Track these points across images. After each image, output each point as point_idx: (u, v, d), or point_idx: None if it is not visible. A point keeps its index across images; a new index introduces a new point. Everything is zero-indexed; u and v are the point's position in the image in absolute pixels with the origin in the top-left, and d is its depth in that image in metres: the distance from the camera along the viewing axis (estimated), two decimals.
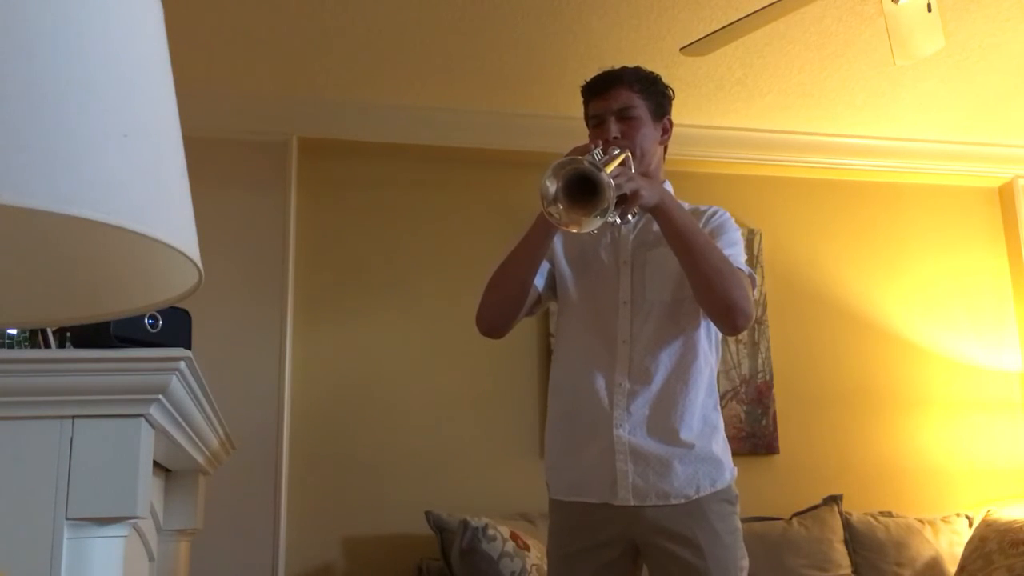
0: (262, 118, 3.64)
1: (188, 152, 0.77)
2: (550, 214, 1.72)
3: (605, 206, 1.68)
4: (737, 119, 3.90)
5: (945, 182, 4.28)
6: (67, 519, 1.11)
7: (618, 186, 1.75)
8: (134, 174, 0.63)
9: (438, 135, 3.76)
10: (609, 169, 1.75)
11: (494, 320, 2.02)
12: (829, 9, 3.10)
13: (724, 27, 2.69)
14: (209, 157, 3.41)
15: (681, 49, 2.82)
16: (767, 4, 2.57)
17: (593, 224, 1.72)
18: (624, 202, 1.80)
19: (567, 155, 1.76)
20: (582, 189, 1.71)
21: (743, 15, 2.65)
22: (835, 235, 4.15)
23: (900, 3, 2.50)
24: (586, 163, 1.70)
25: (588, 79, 2.07)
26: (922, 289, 4.16)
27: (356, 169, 3.78)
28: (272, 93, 3.61)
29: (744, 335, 3.86)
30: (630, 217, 1.92)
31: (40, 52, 0.59)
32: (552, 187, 1.72)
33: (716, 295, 1.86)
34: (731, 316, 1.88)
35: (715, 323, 1.95)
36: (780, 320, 3.96)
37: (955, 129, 4.05)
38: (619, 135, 1.98)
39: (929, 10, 2.52)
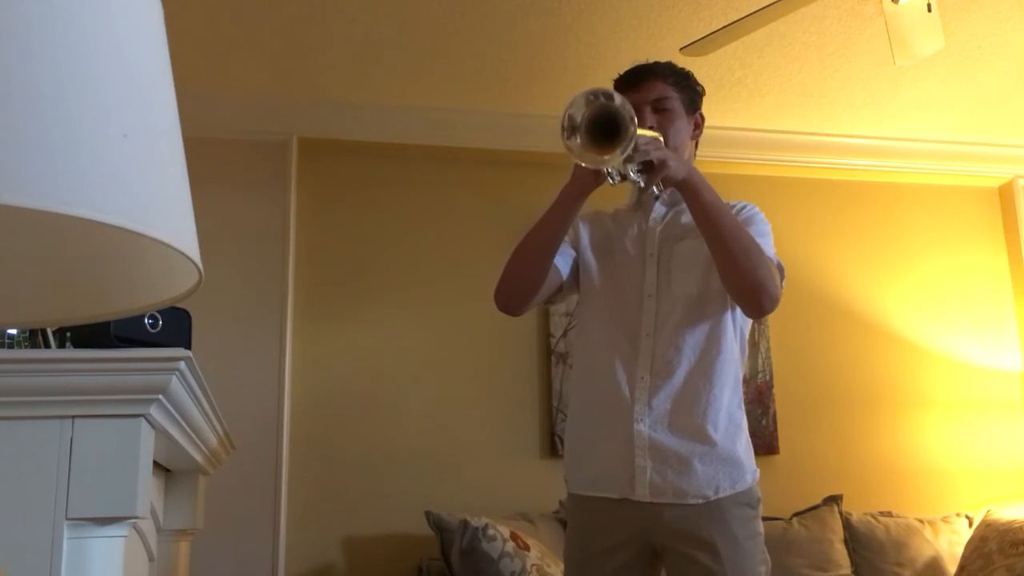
0: (262, 118, 3.64)
1: (188, 152, 0.77)
2: (568, 148, 1.69)
3: (622, 152, 1.65)
4: (737, 119, 3.90)
5: (945, 182, 4.28)
6: (67, 519, 1.11)
7: (645, 151, 1.73)
8: (134, 174, 0.63)
9: (438, 135, 3.76)
10: (640, 132, 1.72)
11: (512, 295, 1.98)
12: (829, 9, 3.10)
13: (724, 27, 2.69)
14: (209, 157, 3.41)
15: (681, 49, 2.82)
16: (767, 4, 2.57)
17: (602, 165, 1.70)
18: (651, 170, 1.78)
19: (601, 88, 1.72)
20: (605, 131, 1.67)
21: (743, 15, 2.65)
22: (835, 235, 4.15)
23: (900, 3, 2.50)
24: (617, 100, 1.66)
25: (620, 72, 2.05)
26: (922, 289, 4.16)
27: (356, 169, 3.78)
28: (272, 93, 3.61)
29: None
30: (655, 189, 1.89)
31: (40, 52, 0.59)
32: (577, 117, 1.68)
33: (743, 274, 1.83)
34: (757, 297, 1.84)
35: (740, 305, 1.91)
36: (780, 320, 3.96)
37: (955, 129, 4.05)
38: (654, 126, 1.95)
39: (929, 10, 2.52)
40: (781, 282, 1.92)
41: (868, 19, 3.17)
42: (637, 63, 2.06)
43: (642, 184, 1.84)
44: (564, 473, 2.03)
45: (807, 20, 3.15)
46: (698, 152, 2.13)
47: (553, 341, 3.73)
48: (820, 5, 2.97)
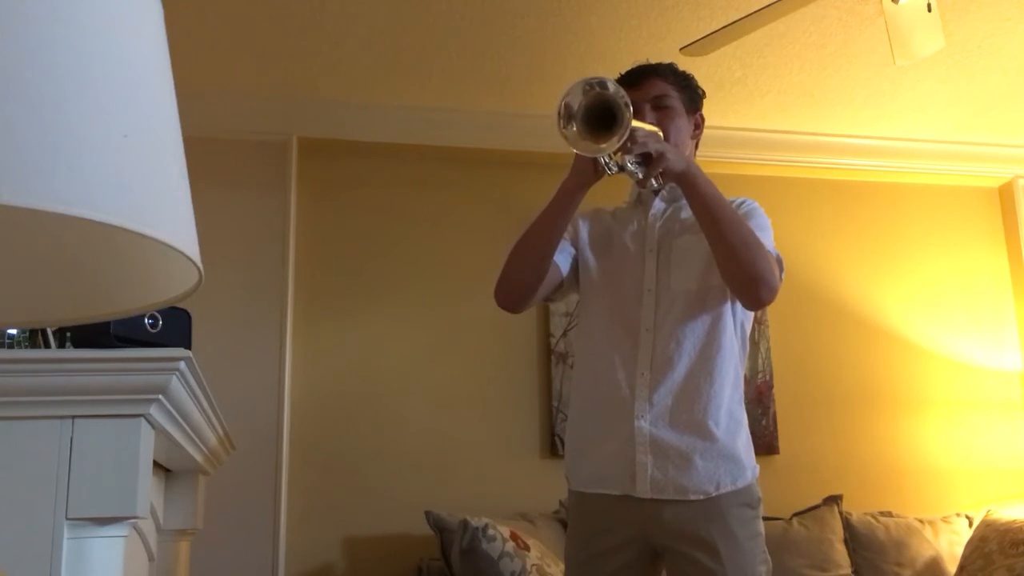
0: (262, 118, 3.65)
1: (188, 152, 0.77)
2: (564, 136, 1.69)
3: (619, 140, 1.65)
4: (737, 119, 3.90)
5: (945, 182, 4.28)
6: (67, 519, 1.11)
7: (644, 143, 1.73)
8: (134, 174, 0.63)
9: (438, 135, 3.76)
10: (638, 124, 1.72)
11: (512, 292, 1.97)
12: (829, 9, 3.10)
13: (724, 27, 2.69)
14: (209, 157, 3.41)
15: (681, 49, 2.82)
16: (767, 4, 2.57)
17: (599, 153, 1.69)
18: (649, 162, 1.78)
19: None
20: (601, 119, 1.67)
21: (743, 15, 2.65)
22: (835, 235, 4.15)
23: (900, 3, 2.50)
24: (612, 88, 1.66)
25: (621, 72, 2.06)
26: (922, 289, 4.16)
27: (356, 169, 3.78)
28: (272, 93, 3.61)
29: None
30: (654, 183, 1.89)
31: (40, 52, 0.59)
32: (574, 105, 1.67)
33: (741, 265, 1.82)
34: (755, 288, 1.83)
35: (739, 296, 1.90)
36: (780, 320, 3.96)
37: (955, 129, 4.05)
38: (654, 123, 1.95)
39: (929, 10, 2.52)
40: (780, 275, 1.91)
41: (868, 19, 3.17)
42: (638, 63, 2.06)
43: (640, 176, 1.84)
44: (565, 470, 2.03)
45: (807, 20, 3.15)
46: (698, 152, 2.13)
47: (553, 341, 3.73)
48: (820, 5, 2.97)
